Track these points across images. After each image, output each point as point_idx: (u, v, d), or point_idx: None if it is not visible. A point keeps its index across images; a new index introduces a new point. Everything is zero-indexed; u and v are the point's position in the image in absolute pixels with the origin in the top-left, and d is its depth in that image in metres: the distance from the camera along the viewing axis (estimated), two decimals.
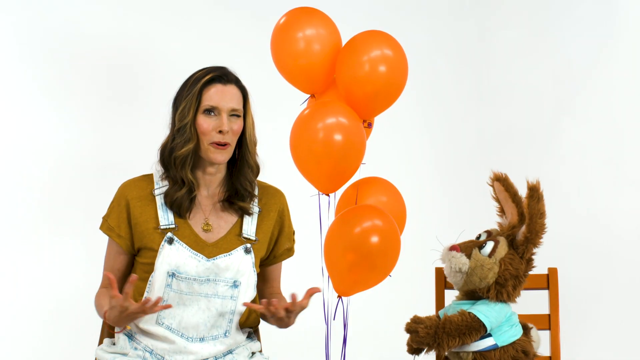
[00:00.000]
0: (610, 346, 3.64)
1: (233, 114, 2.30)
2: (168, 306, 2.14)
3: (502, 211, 2.59)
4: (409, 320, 2.46)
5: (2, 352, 3.49)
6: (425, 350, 2.51)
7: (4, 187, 3.54)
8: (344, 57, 2.71)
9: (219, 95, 2.30)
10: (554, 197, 3.65)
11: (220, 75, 2.31)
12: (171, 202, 2.30)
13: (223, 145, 2.29)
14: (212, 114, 2.29)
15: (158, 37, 3.79)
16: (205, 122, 2.28)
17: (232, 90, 2.31)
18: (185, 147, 2.28)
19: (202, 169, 2.33)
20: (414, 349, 2.56)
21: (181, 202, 2.30)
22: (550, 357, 2.65)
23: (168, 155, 2.31)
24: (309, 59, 2.73)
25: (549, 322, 2.67)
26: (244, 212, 2.36)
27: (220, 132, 2.28)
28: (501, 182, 2.51)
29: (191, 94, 2.28)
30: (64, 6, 3.66)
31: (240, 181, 2.35)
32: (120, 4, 3.74)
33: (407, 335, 2.56)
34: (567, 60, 3.88)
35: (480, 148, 4.13)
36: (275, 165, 3.57)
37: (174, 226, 2.30)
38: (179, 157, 2.29)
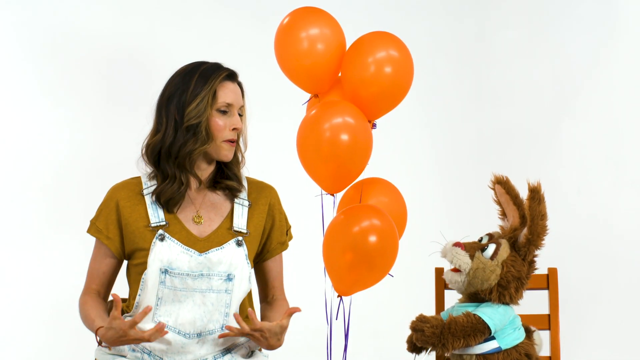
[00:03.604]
0: (610, 346, 3.64)
1: (239, 112, 2.33)
2: (163, 328, 2.14)
3: (503, 214, 2.59)
4: (414, 319, 2.45)
5: (2, 352, 3.48)
6: (428, 350, 2.51)
7: (5, 187, 3.53)
8: (350, 57, 2.71)
9: (233, 94, 2.33)
10: (554, 197, 3.64)
11: (231, 73, 2.34)
12: (164, 198, 2.30)
13: (233, 142, 2.32)
14: (226, 112, 2.30)
15: (159, 37, 3.80)
16: (221, 120, 2.30)
17: (238, 88, 2.36)
18: (201, 147, 2.28)
19: (196, 164, 2.34)
20: (414, 348, 2.56)
21: (172, 196, 2.30)
22: (550, 357, 2.65)
23: (166, 154, 2.30)
24: (312, 58, 2.73)
25: (549, 322, 2.67)
26: (232, 193, 2.37)
27: (233, 129, 2.31)
28: (502, 185, 2.50)
29: (205, 91, 2.28)
30: (64, 6, 3.66)
31: (229, 167, 2.38)
32: (121, 4, 3.74)
33: (407, 335, 2.56)
34: (567, 60, 3.88)
35: (480, 148, 4.13)
36: (278, 165, 3.58)
37: (164, 223, 2.30)
38: (189, 156, 2.29)
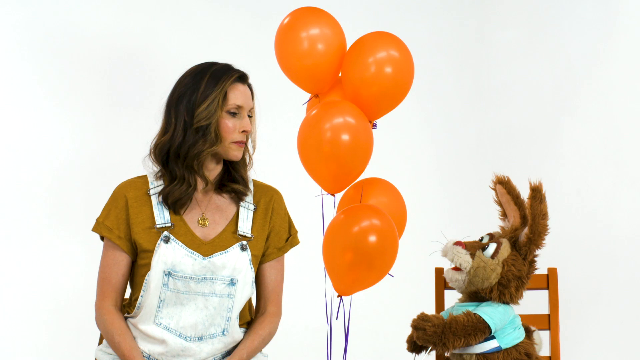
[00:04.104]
0: (610, 346, 3.64)
1: (248, 114, 2.33)
2: None
3: (504, 215, 2.59)
4: (415, 317, 2.45)
5: (2, 352, 3.48)
6: (428, 349, 2.51)
7: (6, 187, 3.54)
8: (350, 57, 2.71)
9: (243, 96, 2.32)
10: (554, 197, 3.63)
11: (242, 75, 2.33)
12: (171, 199, 2.29)
13: (242, 143, 2.31)
14: (236, 114, 2.29)
15: (159, 37, 3.80)
16: (230, 122, 2.29)
17: (248, 90, 2.35)
18: (210, 149, 2.27)
19: (204, 164, 2.34)
20: (414, 347, 2.56)
21: (180, 198, 2.29)
22: (550, 357, 2.65)
23: (175, 154, 2.29)
24: (313, 58, 2.73)
25: (549, 322, 2.67)
26: (238, 195, 2.36)
27: (243, 132, 2.30)
28: (503, 185, 2.51)
29: (215, 93, 2.27)
30: (64, 6, 3.66)
31: (236, 169, 2.38)
32: (121, 4, 3.75)
33: (408, 335, 2.56)
34: (567, 60, 3.88)
35: (480, 148, 4.13)
36: (278, 165, 3.58)
37: (170, 225, 2.29)
38: (197, 157, 2.28)
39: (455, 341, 2.40)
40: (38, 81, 3.60)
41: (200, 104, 2.26)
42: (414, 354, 2.57)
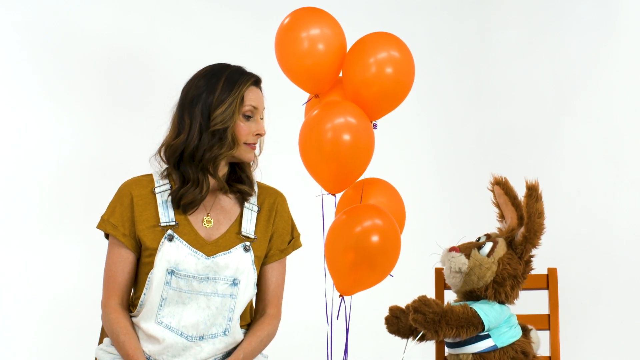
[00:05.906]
0: (610, 346, 3.64)
1: (260, 116, 2.35)
2: None
3: (502, 216, 2.59)
4: (416, 299, 2.43)
5: (3, 352, 3.48)
6: (418, 336, 2.51)
7: (6, 187, 3.54)
8: (351, 58, 2.72)
9: (258, 100, 2.33)
10: (554, 197, 3.64)
11: (257, 79, 2.35)
12: (184, 201, 2.29)
13: (254, 145, 2.33)
14: (250, 117, 2.30)
15: (159, 37, 3.80)
16: (245, 126, 2.31)
17: (261, 93, 2.37)
18: (227, 152, 2.28)
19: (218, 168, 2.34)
20: (394, 330, 2.57)
21: (194, 200, 2.29)
22: (549, 358, 2.66)
23: (189, 157, 2.28)
24: (313, 59, 2.73)
25: (549, 322, 2.67)
26: (243, 196, 2.37)
27: (257, 134, 2.32)
28: (501, 186, 2.51)
29: (232, 97, 2.27)
30: (64, 6, 3.66)
31: (242, 169, 2.39)
32: (121, 4, 3.75)
33: (385, 316, 2.57)
34: (567, 60, 3.88)
35: (480, 148, 4.13)
36: (279, 165, 3.58)
37: (174, 223, 2.29)
38: (213, 160, 2.28)
39: (447, 330, 2.40)
40: (38, 81, 3.60)
41: (216, 108, 2.26)
42: (406, 340, 2.57)
